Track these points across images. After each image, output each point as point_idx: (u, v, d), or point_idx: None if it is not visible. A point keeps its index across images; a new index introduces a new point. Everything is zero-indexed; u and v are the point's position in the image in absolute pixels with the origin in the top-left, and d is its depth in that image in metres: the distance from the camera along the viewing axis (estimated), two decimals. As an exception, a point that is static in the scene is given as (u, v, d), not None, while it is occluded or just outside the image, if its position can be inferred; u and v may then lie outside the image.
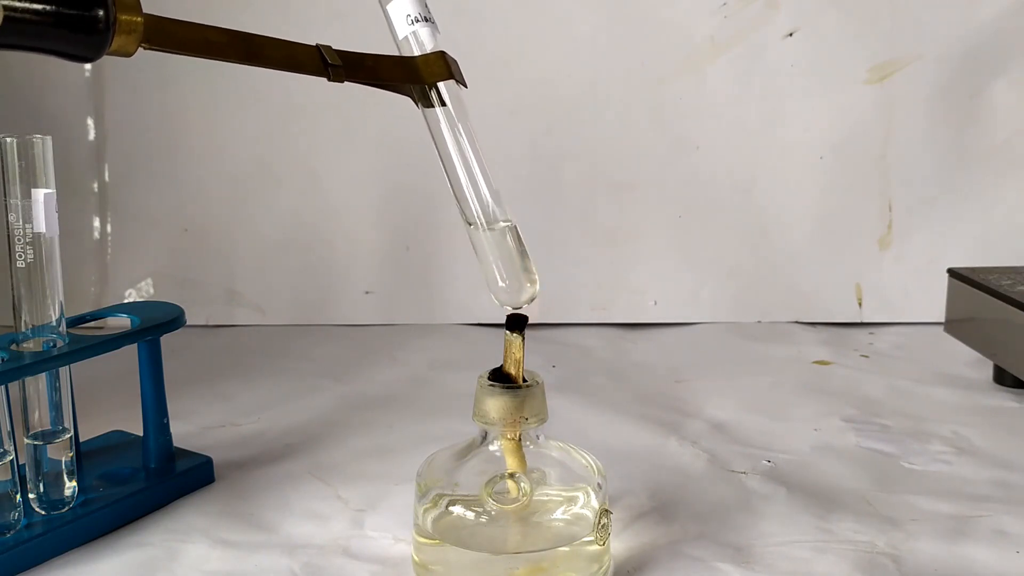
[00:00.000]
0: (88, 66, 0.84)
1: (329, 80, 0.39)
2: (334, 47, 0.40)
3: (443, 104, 0.42)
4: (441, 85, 0.42)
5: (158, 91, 0.85)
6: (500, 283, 0.42)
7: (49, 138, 0.44)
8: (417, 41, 0.43)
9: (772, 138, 0.85)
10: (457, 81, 0.43)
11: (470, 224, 0.42)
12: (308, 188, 0.87)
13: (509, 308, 0.42)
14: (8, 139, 0.42)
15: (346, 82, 0.40)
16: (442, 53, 0.42)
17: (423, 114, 0.43)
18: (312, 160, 0.86)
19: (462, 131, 0.42)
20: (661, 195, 0.86)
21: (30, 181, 0.43)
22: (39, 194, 0.43)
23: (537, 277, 0.42)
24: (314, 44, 0.39)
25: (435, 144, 0.43)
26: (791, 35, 0.84)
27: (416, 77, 0.42)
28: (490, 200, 0.42)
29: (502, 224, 0.42)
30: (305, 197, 0.87)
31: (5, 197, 0.43)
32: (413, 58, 0.42)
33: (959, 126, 0.85)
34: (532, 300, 0.42)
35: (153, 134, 0.86)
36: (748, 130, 0.85)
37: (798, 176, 0.86)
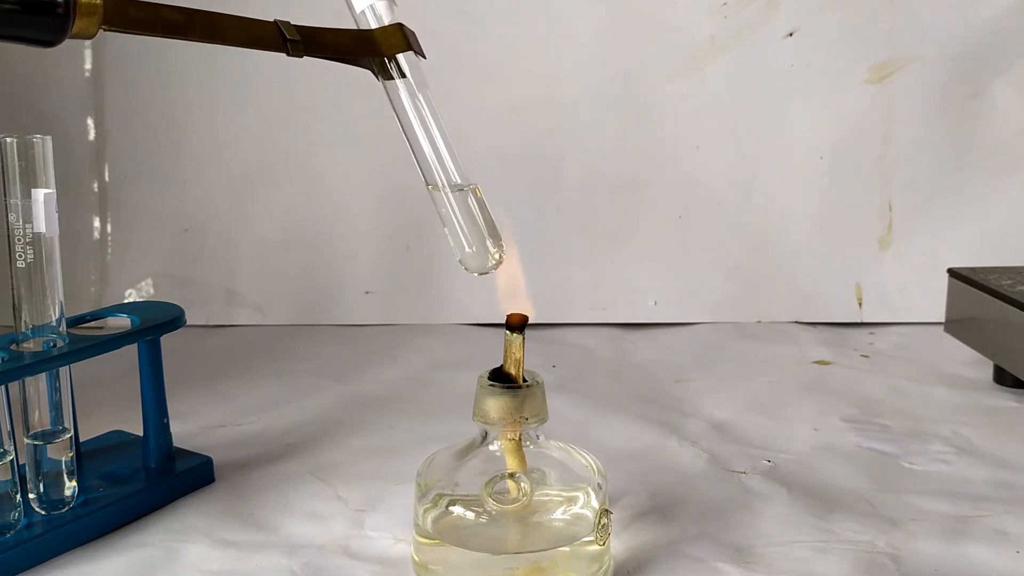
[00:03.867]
0: (88, 66, 0.84)
1: (288, 55, 0.40)
2: (293, 23, 0.40)
3: (403, 76, 0.42)
4: (400, 57, 0.42)
5: (158, 91, 0.85)
6: (467, 248, 0.42)
7: (49, 138, 0.44)
8: (374, 15, 0.43)
9: (772, 138, 0.85)
10: (416, 52, 0.43)
11: (431, 186, 0.42)
12: (308, 188, 0.87)
13: (477, 274, 0.42)
14: (8, 139, 0.42)
15: (305, 57, 0.40)
16: (400, 25, 0.42)
17: (383, 86, 0.43)
18: (312, 160, 0.86)
19: (422, 100, 0.42)
20: (661, 195, 0.86)
21: (30, 181, 0.43)
22: (39, 194, 0.43)
23: (503, 242, 0.42)
24: (272, 20, 0.40)
25: (396, 115, 0.43)
26: (791, 35, 0.84)
27: (375, 50, 0.42)
28: (451, 164, 0.42)
29: (465, 187, 0.42)
30: (305, 197, 0.87)
31: (5, 197, 0.43)
32: (371, 31, 0.42)
33: (959, 126, 0.85)
34: (499, 265, 0.42)
35: (153, 134, 0.86)
36: (748, 130, 0.85)
37: (798, 176, 0.86)
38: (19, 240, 0.43)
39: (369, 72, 0.43)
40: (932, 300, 0.80)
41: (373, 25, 0.43)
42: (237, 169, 0.86)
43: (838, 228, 0.87)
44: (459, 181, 0.42)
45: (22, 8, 0.32)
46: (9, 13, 0.32)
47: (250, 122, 0.86)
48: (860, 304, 0.87)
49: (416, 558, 0.43)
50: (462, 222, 0.42)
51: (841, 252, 0.87)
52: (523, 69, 0.85)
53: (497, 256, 0.42)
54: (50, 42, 0.34)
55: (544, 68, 0.85)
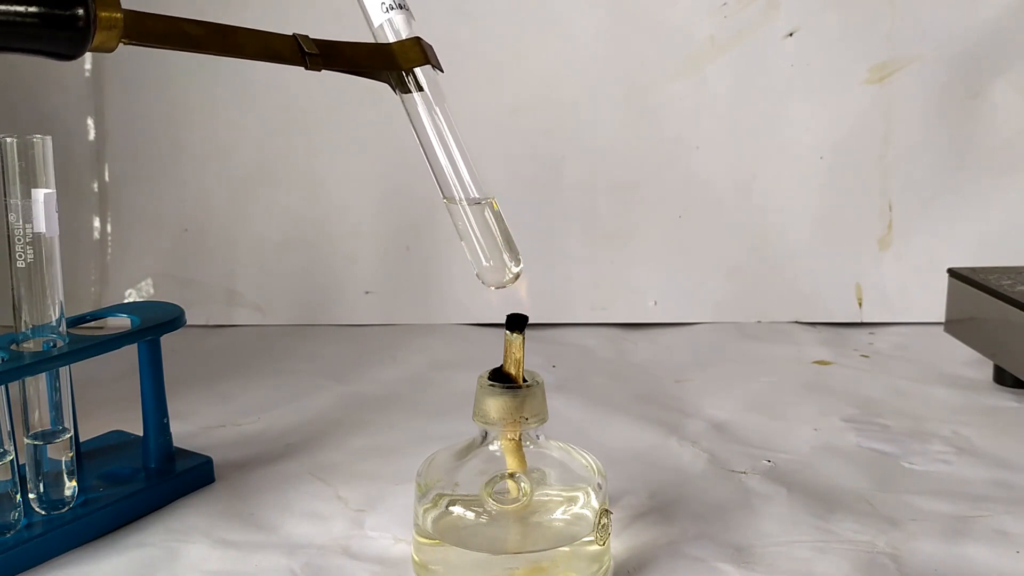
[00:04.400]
0: (88, 66, 0.84)
1: (307, 69, 0.40)
2: (311, 36, 0.40)
3: (420, 89, 0.42)
4: (418, 70, 0.42)
5: (158, 91, 0.85)
6: (484, 262, 0.42)
7: (49, 138, 0.44)
8: (392, 28, 0.43)
9: (772, 138, 0.85)
10: (433, 66, 0.43)
11: (447, 199, 0.42)
12: (308, 188, 0.87)
13: (494, 288, 0.42)
14: (8, 139, 0.42)
15: (324, 70, 0.40)
16: (418, 39, 0.42)
17: (401, 100, 0.43)
18: (312, 160, 0.86)
19: (439, 113, 0.43)
20: (661, 195, 0.86)
21: (30, 181, 0.43)
22: (39, 194, 0.43)
23: (520, 257, 0.42)
24: (291, 34, 0.40)
25: (413, 128, 0.43)
26: (791, 35, 0.84)
27: (393, 63, 0.42)
28: (469, 178, 0.42)
29: (482, 200, 0.42)
30: (305, 197, 0.87)
31: (5, 197, 0.43)
32: (389, 45, 0.42)
33: (959, 126, 0.85)
34: (517, 278, 0.42)
35: (153, 134, 0.86)
36: (748, 130, 0.85)
37: (798, 176, 0.86)
38: (19, 240, 0.43)
39: (376, 78, 0.43)
40: (932, 300, 0.80)
41: (391, 39, 0.43)
42: (237, 169, 0.86)
43: (838, 228, 0.87)
44: (476, 195, 0.42)
45: (43, 22, 0.32)
46: (30, 27, 0.32)
47: (250, 122, 0.86)
48: (860, 304, 0.87)
49: (416, 558, 0.43)
50: (479, 236, 0.42)
51: (841, 252, 0.87)
52: (523, 69, 0.85)
53: (515, 270, 0.42)
54: (70, 56, 0.34)
55: (544, 68, 0.85)
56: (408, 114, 0.43)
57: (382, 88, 0.43)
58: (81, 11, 0.33)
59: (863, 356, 0.78)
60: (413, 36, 0.43)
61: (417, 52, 0.42)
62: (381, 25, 0.43)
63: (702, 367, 0.75)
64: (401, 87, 0.43)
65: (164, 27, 0.36)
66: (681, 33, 0.84)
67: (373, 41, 0.43)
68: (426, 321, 0.86)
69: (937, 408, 0.65)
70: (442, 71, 0.43)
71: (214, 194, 0.87)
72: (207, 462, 0.53)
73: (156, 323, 0.50)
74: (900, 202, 0.86)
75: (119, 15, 0.34)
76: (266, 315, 0.87)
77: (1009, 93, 0.84)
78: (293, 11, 0.81)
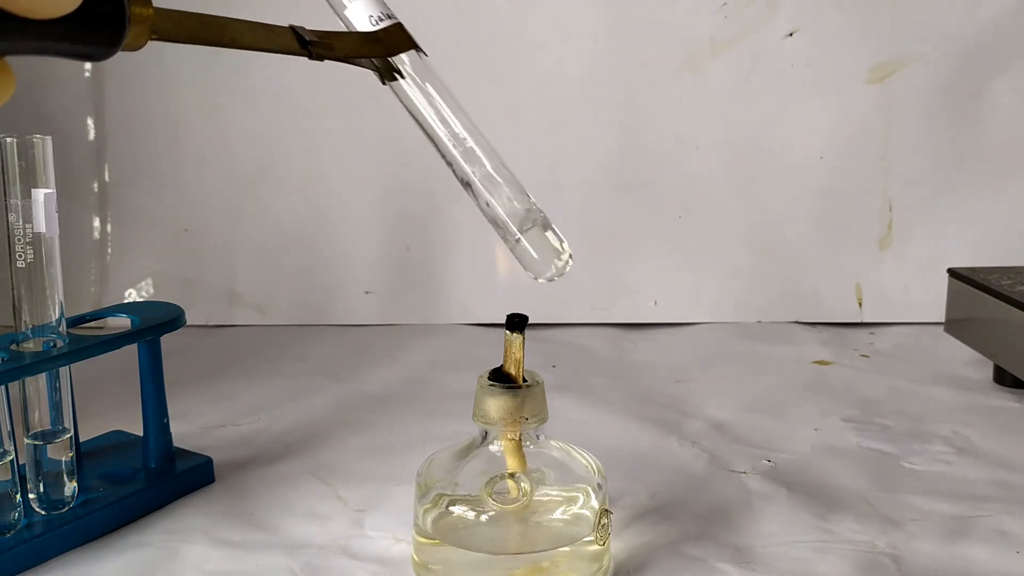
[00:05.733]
0: (88, 65, 0.84)
1: (311, 59, 0.39)
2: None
3: (407, 73, 0.42)
4: (404, 56, 0.42)
5: (158, 91, 0.85)
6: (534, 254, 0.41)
7: (49, 138, 0.44)
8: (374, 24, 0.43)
9: (772, 138, 0.85)
10: (418, 50, 0.43)
11: (465, 183, 0.42)
12: (308, 188, 0.87)
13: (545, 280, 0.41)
14: (8, 139, 0.42)
15: (325, 60, 0.40)
16: (400, 24, 0.42)
17: (391, 88, 0.43)
18: (312, 160, 0.86)
19: (432, 90, 0.42)
20: (661, 195, 0.86)
21: (30, 181, 0.43)
22: (39, 194, 0.43)
23: (565, 247, 0.41)
24: (287, 25, 0.39)
25: (412, 116, 0.43)
26: (791, 35, 0.84)
27: (381, 50, 0.42)
28: (473, 144, 0.42)
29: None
30: (305, 197, 0.87)
31: (5, 197, 0.43)
32: (375, 32, 0.42)
33: (959, 126, 0.85)
34: (567, 263, 0.41)
35: (153, 134, 0.86)
36: (748, 130, 0.85)
37: (798, 176, 0.86)
38: (19, 240, 0.43)
39: (362, 66, 0.43)
40: (932, 300, 0.80)
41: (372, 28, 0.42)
42: (237, 169, 0.86)
43: (838, 228, 0.87)
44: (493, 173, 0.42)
45: (81, 22, 0.32)
46: (68, 28, 0.31)
47: (250, 122, 0.86)
48: (860, 304, 0.87)
49: (416, 558, 0.43)
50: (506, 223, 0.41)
51: (841, 252, 0.87)
52: (523, 69, 0.85)
53: (563, 260, 0.41)
54: (100, 56, 0.33)
55: (544, 68, 0.85)
56: (402, 102, 0.43)
57: (382, 87, 0.43)
58: (118, 7, 0.33)
59: (863, 356, 0.78)
60: (395, 22, 0.42)
61: (403, 36, 0.42)
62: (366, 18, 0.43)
63: (702, 367, 0.74)
64: (388, 75, 0.42)
65: (191, 22, 0.36)
66: (681, 33, 0.84)
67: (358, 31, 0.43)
68: (426, 321, 0.86)
69: (937, 408, 0.65)
70: (426, 55, 0.43)
71: (214, 194, 0.87)
72: (207, 462, 0.53)
73: (156, 323, 0.50)
74: (900, 202, 0.86)
75: (150, 11, 0.34)
76: (266, 315, 0.87)
77: (1009, 93, 0.84)
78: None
